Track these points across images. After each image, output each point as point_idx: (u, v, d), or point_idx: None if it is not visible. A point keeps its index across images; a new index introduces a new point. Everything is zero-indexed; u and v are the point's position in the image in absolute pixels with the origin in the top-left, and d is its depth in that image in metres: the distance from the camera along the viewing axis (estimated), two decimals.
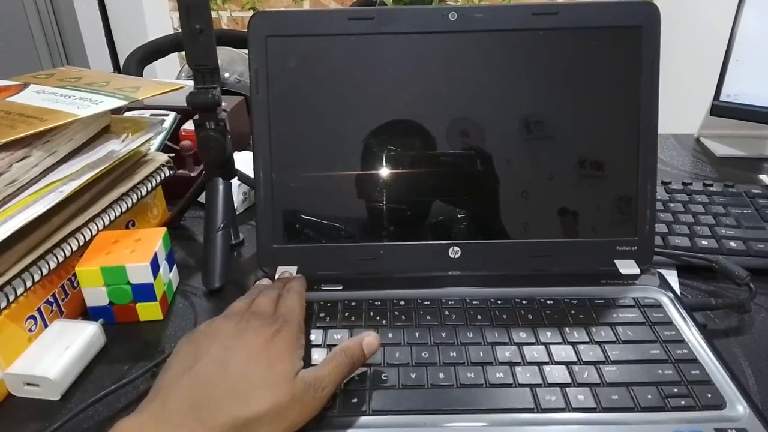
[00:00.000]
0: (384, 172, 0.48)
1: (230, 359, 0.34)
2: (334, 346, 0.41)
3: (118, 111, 0.58)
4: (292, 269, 0.48)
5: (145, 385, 0.42)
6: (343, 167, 0.48)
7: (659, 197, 0.62)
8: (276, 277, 0.48)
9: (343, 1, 1.79)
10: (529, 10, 0.47)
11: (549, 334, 0.42)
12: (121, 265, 0.46)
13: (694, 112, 0.88)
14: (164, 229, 0.51)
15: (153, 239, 0.49)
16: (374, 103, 0.48)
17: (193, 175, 0.67)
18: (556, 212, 0.49)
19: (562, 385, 0.38)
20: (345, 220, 0.49)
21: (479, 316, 0.44)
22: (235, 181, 0.58)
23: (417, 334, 0.43)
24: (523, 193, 0.49)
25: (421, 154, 0.49)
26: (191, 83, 0.52)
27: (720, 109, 0.78)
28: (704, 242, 0.55)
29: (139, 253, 0.47)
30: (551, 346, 0.41)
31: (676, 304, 0.45)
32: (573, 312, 0.44)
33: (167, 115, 0.67)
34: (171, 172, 0.59)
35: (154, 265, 0.47)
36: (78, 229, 0.48)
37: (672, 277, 0.52)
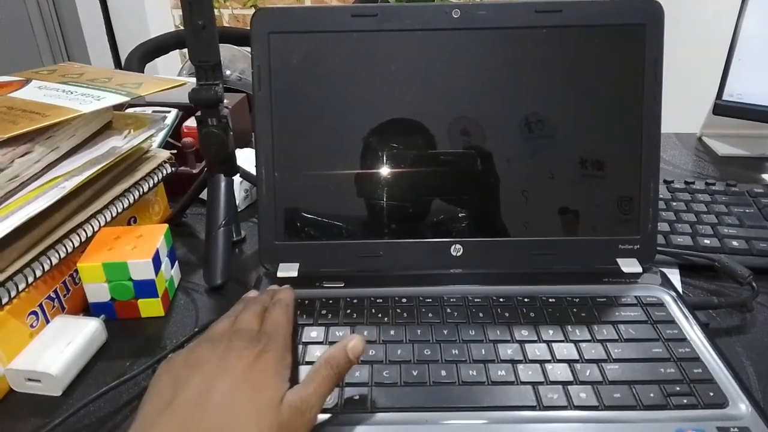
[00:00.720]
0: (387, 169, 0.48)
1: (211, 390, 0.31)
2: (336, 342, 0.41)
3: (120, 107, 0.59)
4: (294, 266, 0.48)
5: (146, 382, 0.42)
6: (346, 164, 0.48)
7: (661, 196, 0.62)
8: (277, 274, 0.48)
9: None
10: (533, 7, 0.47)
11: (551, 332, 0.42)
12: (122, 262, 0.46)
13: (696, 111, 0.88)
14: (166, 225, 0.51)
15: (155, 236, 0.49)
16: (377, 101, 0.48)
17: (194, 172, 0.67)
18: (559, 210, 0.49)
19: (565, 383, 0.38)
20: (347, 218, 0.49)
21: (481, 314, 0.44)
22: (236, 178, 0.58)
23: (419, 331, 0.42)
24: (527, 191, 0.48)
25: (424, 151, 0.48)
26: (193, 80, 0.52)
27: (723, 108, 0.78)
28: (706, 241, 0.55)
29: (141, 250, 0.47)
30: (553, 344, 0.41)
31: (679, 302, 0.45)
32: (575, 310, 0.44)
33: (169, 111, 0.67)
34: (173, 168, 0.59)
35: (156, 262, 0.47)
36: (80, 225, 0.47)
37: (674, 276, 0.52)
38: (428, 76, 0.48)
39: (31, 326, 0.43)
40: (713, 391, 0.37)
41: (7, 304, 0.41)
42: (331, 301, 0.46)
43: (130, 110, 0.66)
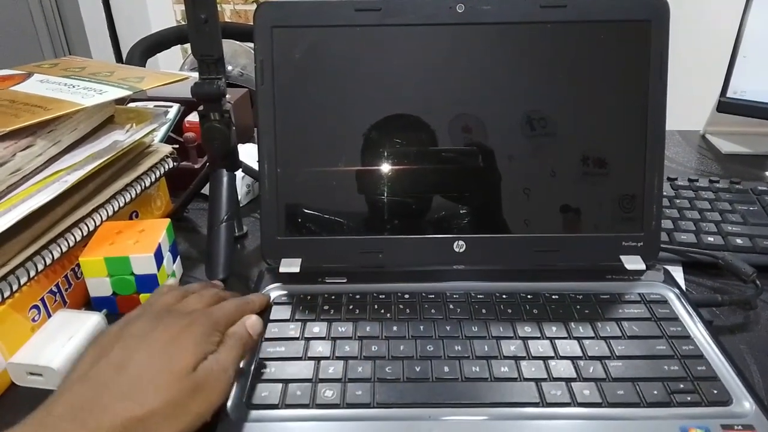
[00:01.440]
0: (390, 165, 0.48)
1: (129, 360, 0.32)
2: (339, 339, 0.41)
3: (122, 101, 0.58)
4: (296, 262, 0.48)
5: None
6: (349, 160, 0.48)
7: (665, 193, 0.61)
8: (279, 270, 0.48)
9: None
10: (538, 2, 0.47)
11: (554, 328, 0.42)
12: (124, 256, 0.46)
13: (700, 109, 0.88)
14: (168, 220, 0.51)
15: (157, 230, 0.49)
16: (380, 96, 0.48)
17: (196, 166, 0.67)
18: (562, 207, 0.48)
19: (568, 380, 0.38)
20: (350, 213, 0.49)
21: (484, 310, 0.44)
22: (239, 173, 0.58)
23: (422, 327, 0.42)
24: (530, 188, 0.48)
25: (426, 147, 0.48)
26: (195, 75, 0.52)
27: (727, 106, 0.78)
28: (710, 239, 0.55)
29: (143, 244, 0.47)
30: (556, 341, 0.41)
31: (682, 300, 0.45)
32: (578, 307, 0.44)
33: (171, 106, 0.67)
34: (175, 163, 0.59)
35: (158, 256, 0.47)
36: (82, 220, 0.47)
37: (678, 273, 0.52)
38: (432, 72, 0.48)
39: (33, 320, 0.43)
40: (717, 388, 0.37)
41: (8, 297, 0.41)
42: (333, 297, 0.45)
43: (132, 105, 0.65)
